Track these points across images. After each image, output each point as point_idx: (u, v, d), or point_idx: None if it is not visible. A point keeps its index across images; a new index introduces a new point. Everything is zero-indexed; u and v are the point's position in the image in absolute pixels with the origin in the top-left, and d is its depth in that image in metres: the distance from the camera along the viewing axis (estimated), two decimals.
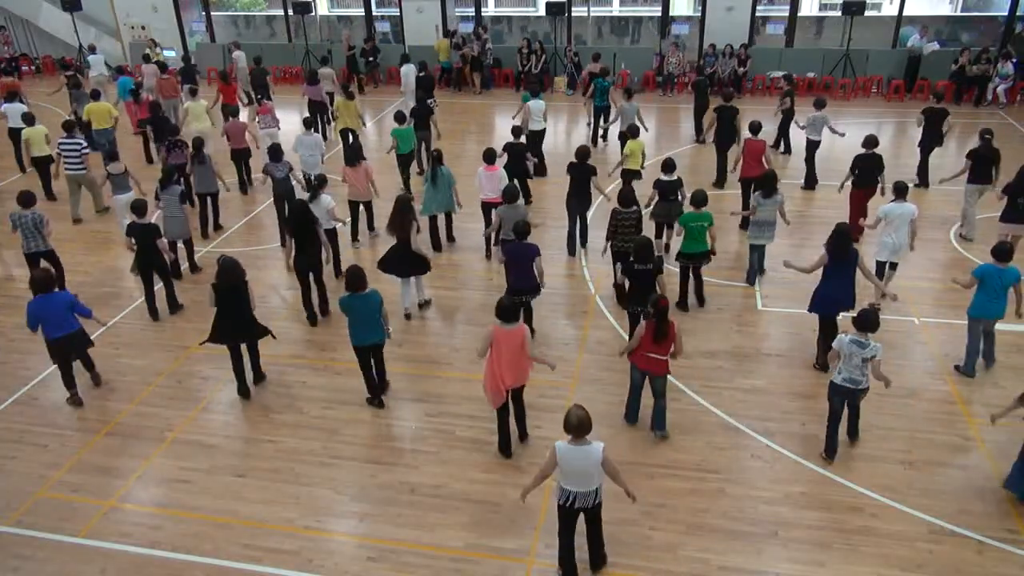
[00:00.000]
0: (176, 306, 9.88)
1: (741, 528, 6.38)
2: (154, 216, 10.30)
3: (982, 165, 10.94)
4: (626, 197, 9.29)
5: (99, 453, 7.49)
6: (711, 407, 7.83)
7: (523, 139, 12.16)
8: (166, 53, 21.86)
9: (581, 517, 5.74)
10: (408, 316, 9.57)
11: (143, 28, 23.50)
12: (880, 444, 7.26)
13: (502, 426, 7.18)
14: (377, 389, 7.99)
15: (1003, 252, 7.81)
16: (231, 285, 7.72)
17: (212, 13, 24.31)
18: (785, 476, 6.92)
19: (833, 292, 8.03)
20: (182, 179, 11.31)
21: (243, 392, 8.18)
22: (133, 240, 9.34)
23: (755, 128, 11.53)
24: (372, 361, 7.83)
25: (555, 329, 9.25)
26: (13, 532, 6.55)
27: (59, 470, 7.26)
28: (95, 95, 14.71)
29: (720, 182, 13.46)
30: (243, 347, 8.15)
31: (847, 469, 6.96)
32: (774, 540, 6.25)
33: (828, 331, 8.17)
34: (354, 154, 10.96)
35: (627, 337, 9.04)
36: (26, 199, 9.84)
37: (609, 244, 9.46)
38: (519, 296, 8.41)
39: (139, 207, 9.32)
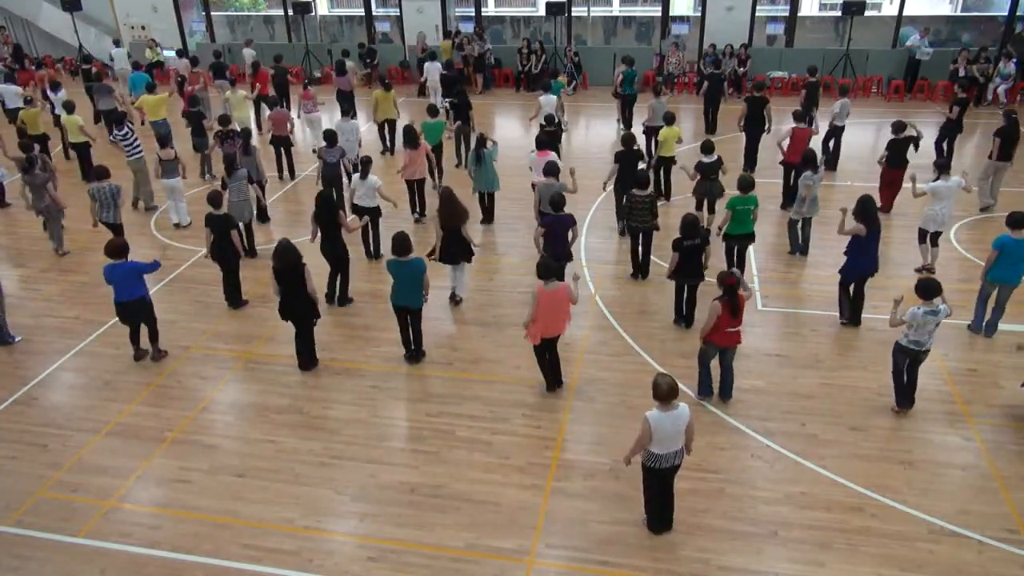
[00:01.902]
0: (239, 301, 9.97)
1: (741, 528, 6.37)
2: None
3: (1007, 144, 11.86)
4: (641, 180, 9.82)
5: (99, 453, 7.49)
6: (711, 407, 7.83)
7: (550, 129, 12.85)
8: (165, 53, 21.87)
9: None
10: (455, 298, 9.99)
11: (143, 28, 23.51)
12: (880, 444, 7.26)
13: (542, 365, 8.01)
14: (412, 345, 8.67)
15: (1018, 221, 8.23)
16: (288, 266, 8.09)
17: (212, 13, 24.31)
18: (785, 476, 6.92)
19: (864, 259, 8.77)
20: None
21: (303, 366, 8.66)
22: (209, 230, 9.56)
23: (799, 115, 12.26)
24: (409, 322, 8.54)
25: None
26: (13, 532, 6.55)
27: (59, 470, 7.26)
28: (150, 88, 15.02)
29: (749, 166, 14.09)
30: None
31: (847, 469, 6.96)
32: (774, 540, 6.25)
33: (850, 291, 9.06)
34: (413, 137, 11.66)
35: (628, 339, 9.08)
36: (100, 172, 10.65)
37: (624, 223, 10.31)
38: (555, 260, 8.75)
39: (214, 199, 9.54)
